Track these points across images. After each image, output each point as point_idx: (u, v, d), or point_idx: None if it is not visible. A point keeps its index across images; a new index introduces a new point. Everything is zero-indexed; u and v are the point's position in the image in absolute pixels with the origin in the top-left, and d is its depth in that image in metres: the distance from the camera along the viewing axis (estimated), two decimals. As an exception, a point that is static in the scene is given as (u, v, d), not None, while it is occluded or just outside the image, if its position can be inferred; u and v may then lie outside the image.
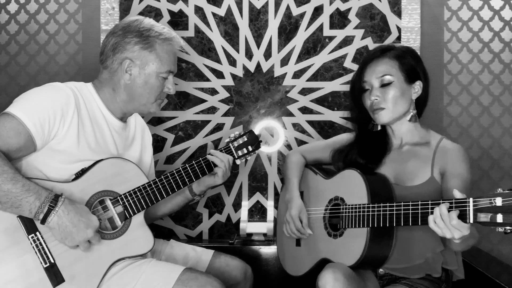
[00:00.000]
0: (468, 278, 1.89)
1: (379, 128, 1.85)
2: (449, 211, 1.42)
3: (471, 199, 1.39)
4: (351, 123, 1.93)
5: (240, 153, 1.94)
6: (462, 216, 1.40)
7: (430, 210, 1.48)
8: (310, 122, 2.53)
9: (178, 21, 2.55)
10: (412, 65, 1.80)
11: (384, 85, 1.76)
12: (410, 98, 1.80)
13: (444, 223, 1.43)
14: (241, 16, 2.53)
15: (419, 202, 1.52)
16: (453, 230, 1.42)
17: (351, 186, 1.76)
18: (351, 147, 1.90)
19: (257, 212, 2.55)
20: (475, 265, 2.02)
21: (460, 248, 1.63)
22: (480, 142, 2.52)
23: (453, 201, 1.43)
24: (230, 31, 2.54)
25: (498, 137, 2.52)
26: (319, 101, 2.53)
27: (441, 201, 1.46)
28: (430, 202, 1.49)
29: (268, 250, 2.32)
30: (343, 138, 1.98)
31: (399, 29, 2.48)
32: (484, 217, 1.35)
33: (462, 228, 1.41)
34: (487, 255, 2.36)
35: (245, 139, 1.95)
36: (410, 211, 1.53)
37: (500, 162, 2.52)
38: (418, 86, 1.81)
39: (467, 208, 1.39)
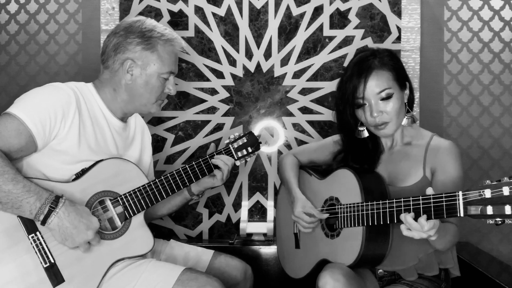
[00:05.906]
0: (468, 278, 1.88)
1: (366, 134, 1.82)
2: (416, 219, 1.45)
3: (460, 193, 1.38)
4: (338, 130, 1.92)
5: (240, 154, 1.94)
6: (452, 210, 1.40)
7: (421, 206, 1.47)
8: (310, 122, 2.53)
9: (178, 21, 2.54)
10: (400, 71, 1.77)
11: (384, 99, 1.72)
12: (404, 103, 1.77)
13: (416, 230, 1.46)
14: (241, 16, 2.53)
15: (411, 198, 1.51)
16: (428, 232, 1.45)
17: (345, 186, 1.76)
18: (344, 157, 1.88)
19: (257, 212, 2.55)
20: (475, 265, 2.02)
21: (441, 246, 1.62)
22: (480, 142, 2.52)
23: (443, 194, 1.42)
24: (230, 31, 2.54)
25: (498, 137, 2.52)
26: (319, 101, 2.52)
27: (431, 195, 1.45)
28: (421, 197, 1.48)
29: (268, 250, 2.32)
30: (334, 139, 1.97)
31: (399, 29, 2.48)
32: (474, 210, 1.35)
33: (434, 226, 1.45)
34: (487, 255, 2.36)
35: (245, 140, 1.95)
36: (402, 208, 1.53)
37: (500, 162, 2.52)
38: (407, 89, 1.78)
39: (457, 202, 1.39)
